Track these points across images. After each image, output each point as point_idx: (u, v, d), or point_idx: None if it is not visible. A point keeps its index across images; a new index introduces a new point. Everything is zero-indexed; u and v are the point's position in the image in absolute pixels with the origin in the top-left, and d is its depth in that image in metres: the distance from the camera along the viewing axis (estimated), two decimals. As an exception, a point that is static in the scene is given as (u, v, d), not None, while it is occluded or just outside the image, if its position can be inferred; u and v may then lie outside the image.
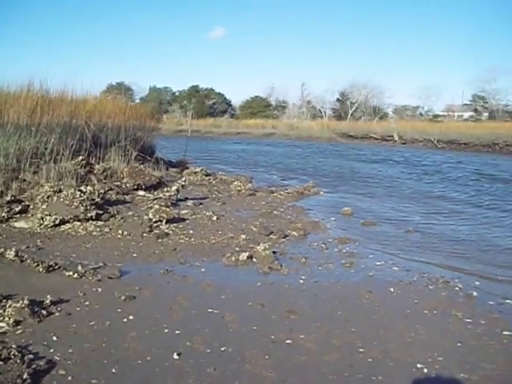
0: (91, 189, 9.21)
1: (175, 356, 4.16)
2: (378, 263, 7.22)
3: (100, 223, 8.57)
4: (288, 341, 4.59)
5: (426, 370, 4.16)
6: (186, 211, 9.90)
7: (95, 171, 11.76)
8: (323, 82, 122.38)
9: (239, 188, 13.36)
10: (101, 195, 9.32)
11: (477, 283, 6.56)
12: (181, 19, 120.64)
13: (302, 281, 6.31)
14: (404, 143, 45.58)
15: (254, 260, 6.92)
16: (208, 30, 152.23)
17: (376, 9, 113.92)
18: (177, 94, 77.69)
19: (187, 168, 16.71)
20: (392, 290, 6.13)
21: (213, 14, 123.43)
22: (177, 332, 4.66)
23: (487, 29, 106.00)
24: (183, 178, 13.96)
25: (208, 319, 5.01)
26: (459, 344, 4.71)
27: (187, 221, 9.24)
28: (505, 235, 9.69)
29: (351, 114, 68.13)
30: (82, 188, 9.09)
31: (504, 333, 5.02)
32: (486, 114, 63.94)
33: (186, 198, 11.43)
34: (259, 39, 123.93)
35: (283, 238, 8.40)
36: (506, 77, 64.84)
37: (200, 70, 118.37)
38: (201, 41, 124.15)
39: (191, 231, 8.54)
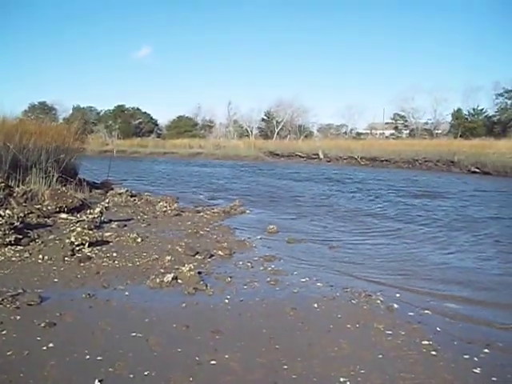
0: (10, 212, 8.92)
1: (97, 383, 4.06)
2: (302, 280, 7.32)
3: (19, 248, 8.26)
4: (213, 361, 4.57)
5: (348, 384, 4.26)
6: (109, 233, 9.70)
7: (15, 194, 11.41)
8: (250, 101, 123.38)
9: (165, 208, 13.25)
10: (20, 219, 9.04)
11: (397, 295, 6.77)
12: (106, 37, 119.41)
13: (227, 300, 6.31)
14: (329, 161, 46.62)
15: (179, 281, 6.86)
16: (134, 49, 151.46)
17: (299, 29, 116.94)
18: (102, 113, 76.56)
19: (112, 189, 16.46)
20: (316, 305, 6.23)
21: (139, 32, 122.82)
22: (99, 358, 4.55)
23: (406, 49, 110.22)
24: (107, 200, 13.70)
25: (131, 343, 4.92)
26: (380, 356, 4.84)
27: (111, 243, 9.06)
28: (431, 250, 9.97)
29: (277, 133, 69.12)
30: (1, 212, 8.79)
31: (423, 342, 5.21)
32: (406, 132, 66.38)
33: (110, 220, 11.23)
34: (186, 59, 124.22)
35: (209, 257, 8.37)
36: (423, 96, 67.60)
37: (126, 90, 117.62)
38: (127, 60, 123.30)
39: (115, 254, 8.37)
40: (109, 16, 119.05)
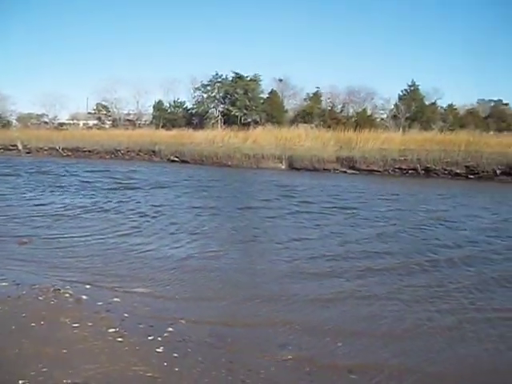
0: None
1: None
2: (-17, 281, 6.79)
3: None
4: None
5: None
6: None
7: None
8: None
9: None
10: None
11: (88, 287, 6.75)
12: None
13: None
14: (29, 152, 44.04)
15: None
16: None
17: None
18: None
19: None
20: (-1, 307, 5.84)
21: None
22: None
23: (114, 40, 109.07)
24: None
25: None
26: (65, 351, 4.76)
27: None
28: (125, 241, 9.92)
29: (-31, 123, 63.08)
30: None
31: (109, 331, 5.30)
32: (110, 122, 66.51)
33: None
34: None
35: None
36: (126, 87, 68.36)
37: None
38: None
39: None
40: None
